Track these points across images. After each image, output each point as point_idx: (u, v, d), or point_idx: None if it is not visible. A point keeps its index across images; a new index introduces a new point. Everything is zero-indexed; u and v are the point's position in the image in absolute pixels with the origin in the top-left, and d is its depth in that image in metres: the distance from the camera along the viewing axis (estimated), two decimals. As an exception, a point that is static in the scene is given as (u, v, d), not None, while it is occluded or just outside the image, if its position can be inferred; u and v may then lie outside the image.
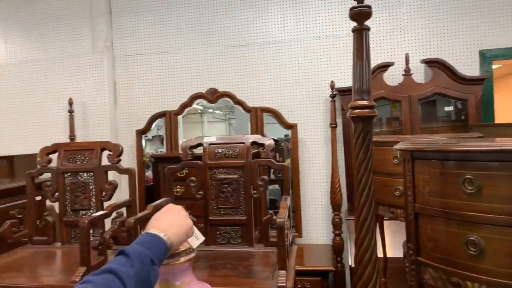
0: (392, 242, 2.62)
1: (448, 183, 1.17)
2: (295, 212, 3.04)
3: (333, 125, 2.84)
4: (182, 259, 1.06)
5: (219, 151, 1.95)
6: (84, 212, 2.01)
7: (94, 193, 2.01)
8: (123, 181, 2.94)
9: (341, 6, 3.09)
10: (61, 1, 3.49)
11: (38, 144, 2.25)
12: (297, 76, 3.16)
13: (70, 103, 3.27)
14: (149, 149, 3.52)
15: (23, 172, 2.18)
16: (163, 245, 0.89)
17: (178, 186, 2.64)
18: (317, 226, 3.12)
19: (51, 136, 3.42)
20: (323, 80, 3.10)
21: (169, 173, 1.91)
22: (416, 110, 2.71)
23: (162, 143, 3.49)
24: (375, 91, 2.63)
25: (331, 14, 3.11)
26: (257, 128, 3.08)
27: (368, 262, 1.10)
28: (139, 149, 3.29)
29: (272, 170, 3.00)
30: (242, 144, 1.93)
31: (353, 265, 2.38)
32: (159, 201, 1.79)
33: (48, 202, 2.14)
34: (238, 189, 1.90)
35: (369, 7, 1.08)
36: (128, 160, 3.29)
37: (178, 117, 3.26)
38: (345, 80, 3.03)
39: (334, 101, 2.86)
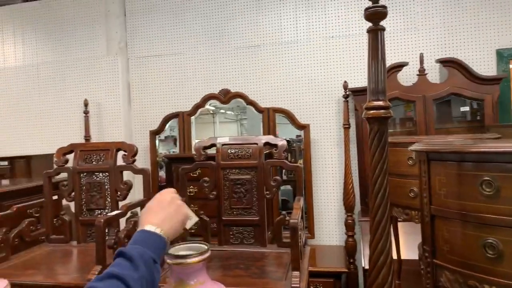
0: (406, 244, 2.59)
1: (465, 185, 1.15)
2: (308, 213, 3.03)
3: (346, 126, 2.83)
4: (197, 259, 1.07)
5: (232, 151, 1.95)
6: (99, 212, 2.04)
7: (109, 192, 2.04)
8: (136, 181, 2.97)
9: (354, 5, 3.07)
10: (77, 5, 3.55)
11: (54, 144, 2.30)
12: (309, 77, 3.15)
13: (86, 104, 3.32)
14: (162, 149, 3.55)
15: (40, 172, 2.22)
16: (162, 242, 0.87)
17: (191, 186, 2.67)
18: (329, 227, 3.11)
19: (67, 136, 3.48)
20: (335, 80, 3.08)
21: (183, 173, 1.92)
22: (430, 111, 2.68)
23: (175, 144, 3.53)
24: (389, 92, 2.58)
25: (344, 14, 3.09)
26: (269, 128, 3.08)
27: (383, 264, 1.09)
28: (153, 149, 3.32)
29: (284, 170, 3.00)
30: (255, 145, 1.93)
31: (366, 267, 2.36)
32: (173, 201, 1.80)
33: (64, 202, 2.17)
34: (251, 190, 1.90)
35: (384, 7, 1.07)
36: (142, 160, 3.33)
37: (191, 117, 3.29)
38: (358, 80, 3.01)
39: (347, 101, 2.84)
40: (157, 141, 3.40)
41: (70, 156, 2.11)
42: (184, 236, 1.64)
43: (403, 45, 2.98)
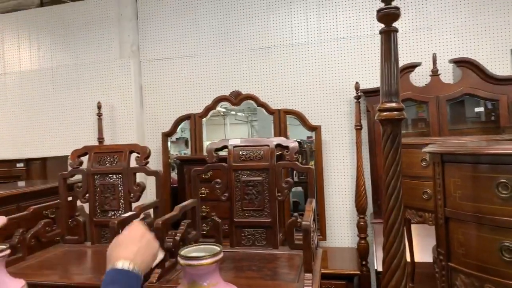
0: (419, 246, 2.56)
1: (481, 187, 1.14)
2: (319, 214, 3.02)
3: (358, 127, 2.81)
4: (210, 260, 1.07)
5: (244, 153, 1.96)
6: (113, 213, 2.07)
7: (122, 194, 2.06)
8: (149, 183, 3.00)
9: (365, 6, 3.06)
10: (90, 9, 3.61)
11: (68, 146, 2.34)
12: (320, 78, 3.14)
13: (99, 106, 3.37)
14: (174, 151, 3.58)
15: (55, 173, 2.26)
16: (137, 279, 0.84)
17: (202, 188, 2.68)
18: (341, 229, 3.09)
19: (81, 138, 3.54)
20: (346, 82, 3.07)
21: (195, 175, 1.94)
22: (444, 111, 2.64)
23: (186, 145, 3.55)
24: (401, 92, 2.57)
25: (355, 14, 3.08)
26: (280, 130, 3.08)
27: (397, 267, 1.08)
28: (165, 151, 3.35)
29: (295, 172, 2.99)
30: (267, 147, 1.94)
31: (379, 269, 2.34)
32: (185, 202, 1.82)
33: (78, 203, 2.21)
34: (262, 191, 1.90)
35: (397, 8, 1.06)
36: (154, 161, 3.36)
37: (202, 119, 3.31)
38: (369, 81, 2.99)
39: (359, 102, 2.82)
40: (169, 143, 3.43)
41: (84, 158, 2.14)
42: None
43: (415, 45, 2.95)
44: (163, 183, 2.96)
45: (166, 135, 3.37)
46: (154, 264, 1.02)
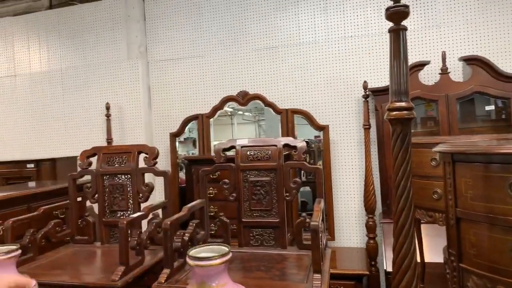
0: (429, 246, 2.53)
1: (493, 187, 1.12)
2: (328, 214, 3.00)
3: (367, 126, 2.79)
4: (218, 261, 1.07)
5: (252, 153, 1.96)
6: (122, 213, 2.08)
7: (131, 194, 2.08)
8: (157, 183, 3.02)
9: (372, 4, 3.03)
10: (98, 11, 3.64)
11: (77, 147, 2.36)
12: (328, 77, 3.13)
13: (107, 107, 3.40)
14: (181, 151, 3.59)
15: (64, 174, 2.29)
16: None
17: (210, 188, 2.69)
18: (350, 229, 3.07)
19: (90, 138, 3.57)
20: (354, 81, 3.05)
21: (203, 175, 1.94)
22: (454, 110, 2.61)
23: (194, 145, 3.56)
24: (410, 91, 2.55)
25: (362, 13, 3.06)
26: (288, 129, 3.07)
27: (407, 268, 1.07)
28: (173, 151, 3.36)
29: (303, 172, 2.98)
30: (274, 147, 1.93)
31: (388, 269, 2.32)
32: (194, 203, 1.82)
33: (88, 203, 2.22)
34: (270, 192, 1.90)
35: (406, 6, 1.04)
36: (162, 162, 3.37)
37: (210, 119, 3.32)
38: (378, 80, 2.97)
39: (367, 101, 2.80)
40: (177, 143, 3.44)
41: (93, 159, 2.16)
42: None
43: (424, 43, 2.92)
44: (171, 183, 2.97)
45: (174, 135, 3.38)
46: None
